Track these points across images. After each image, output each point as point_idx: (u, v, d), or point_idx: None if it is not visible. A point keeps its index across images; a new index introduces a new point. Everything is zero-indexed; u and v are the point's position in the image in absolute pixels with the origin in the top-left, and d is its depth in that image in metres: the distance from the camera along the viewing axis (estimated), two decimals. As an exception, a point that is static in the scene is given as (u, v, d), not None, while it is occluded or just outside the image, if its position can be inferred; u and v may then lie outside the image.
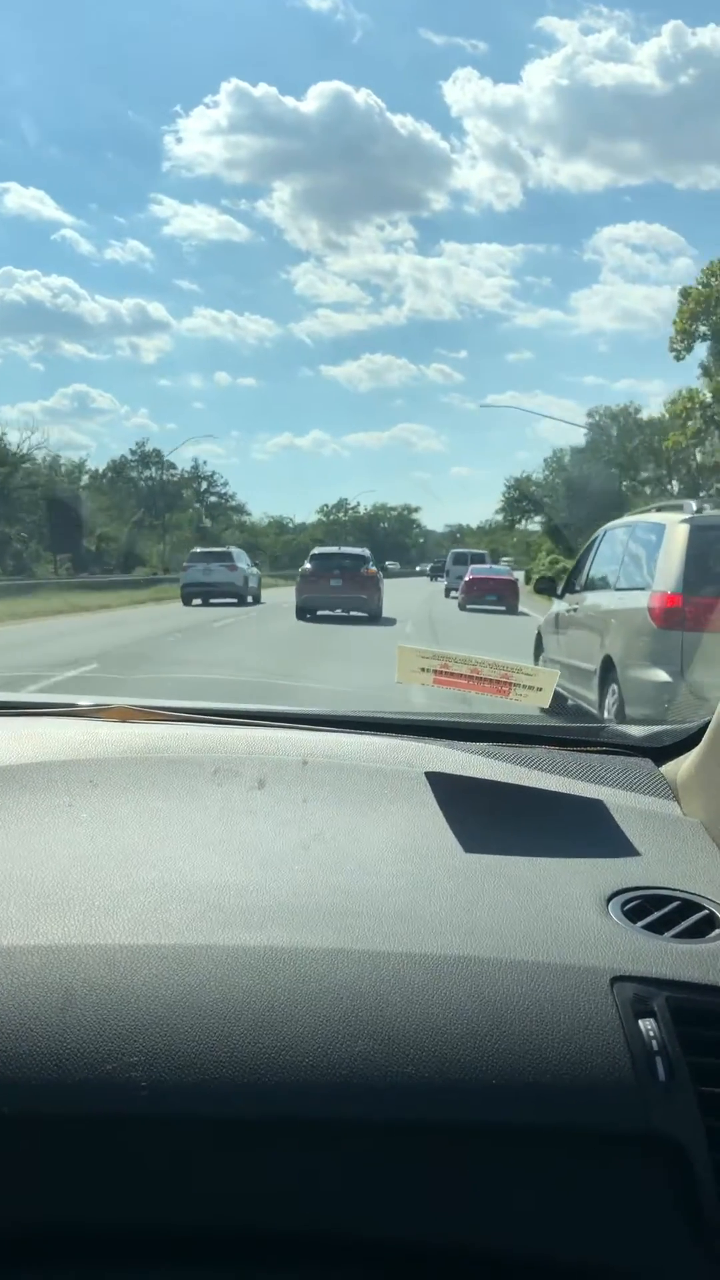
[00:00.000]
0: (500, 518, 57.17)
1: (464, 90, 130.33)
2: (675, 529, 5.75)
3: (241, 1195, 0.71)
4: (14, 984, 0.75)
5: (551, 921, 0.85)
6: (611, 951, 0.82)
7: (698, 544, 5.59)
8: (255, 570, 27.05)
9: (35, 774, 1.09)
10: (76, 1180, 0.70)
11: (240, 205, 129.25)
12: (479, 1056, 0.73)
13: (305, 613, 18.79)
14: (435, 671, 1.18)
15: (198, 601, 23.84)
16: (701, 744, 1.14)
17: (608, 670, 5.77)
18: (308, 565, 20.17)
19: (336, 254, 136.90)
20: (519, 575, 32.04)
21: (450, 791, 1.09)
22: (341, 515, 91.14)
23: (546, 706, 1.17)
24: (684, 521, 5.77)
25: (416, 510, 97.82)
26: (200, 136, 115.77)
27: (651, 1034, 0.75)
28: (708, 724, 1.14)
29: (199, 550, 27.57)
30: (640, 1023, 0.75)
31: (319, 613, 18.70)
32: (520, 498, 59.28)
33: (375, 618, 18.31)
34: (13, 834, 0.97)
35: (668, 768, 1.21)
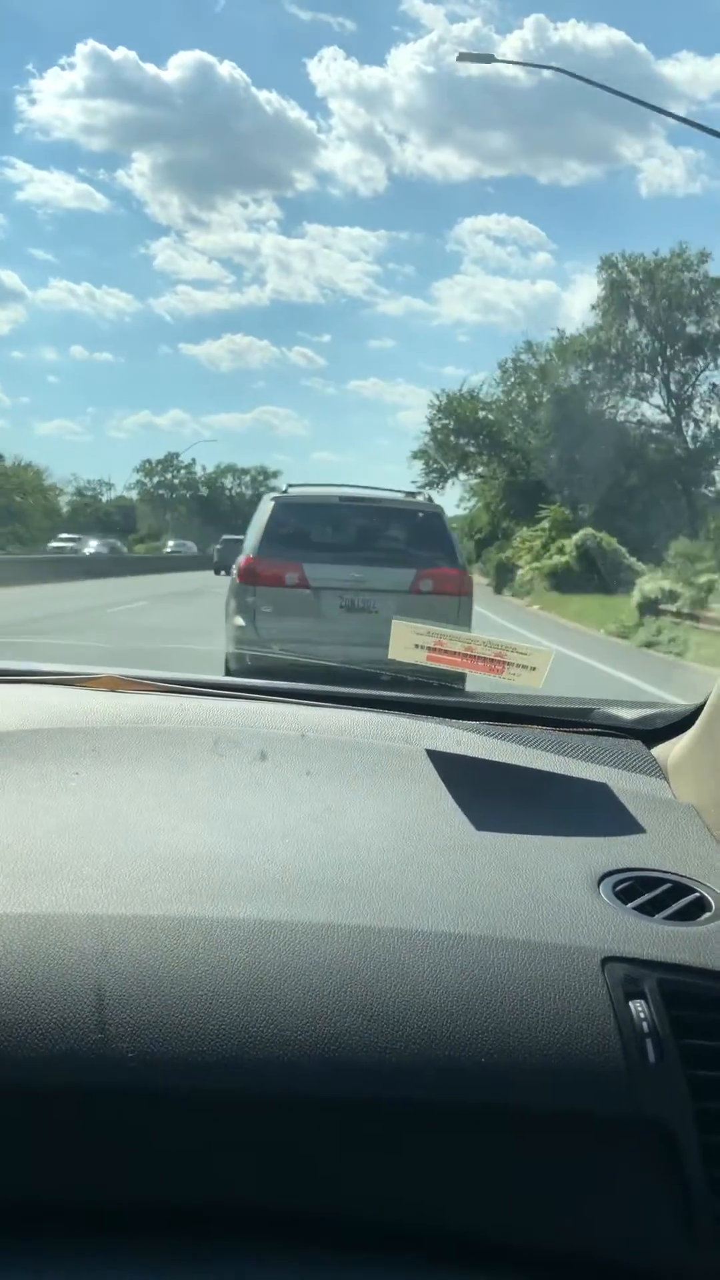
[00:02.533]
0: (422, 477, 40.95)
1: (329, 70, 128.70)
2: (266, 503, 7.14)
3: (228, 1169, 0.70)
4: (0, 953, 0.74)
5: (543, 901, 0.85)
6: (603, 932, 0.81)
7: (278, 516, 6.86)
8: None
9: (22, 742, 1.08)
10: (62, 1152, 0.69)
11: (99, 175, 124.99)
12: (469, 1035, 0.72)
13: None
14: (429, 649, 1.17)
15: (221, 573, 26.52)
16: (694, 727, 1.14)
17: (225, 619, 7.09)
18: None
19: (198, 229, 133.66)
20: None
21: (444, 769, 1.08)
22: (170, 476, 76.66)
23: (540, 686, 1.16)
24: (273, 498, 7.15)
25: (275, 474, 77.29)
26: (55, 99, 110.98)
27: (642, 1015, 0.74)
28: (701, 707, 1.14)
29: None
30: (631, 1004, 0.75)
31: None
32: (457, 432, 40.50)
33: None
34: None
35: (659, 750, 1.21)
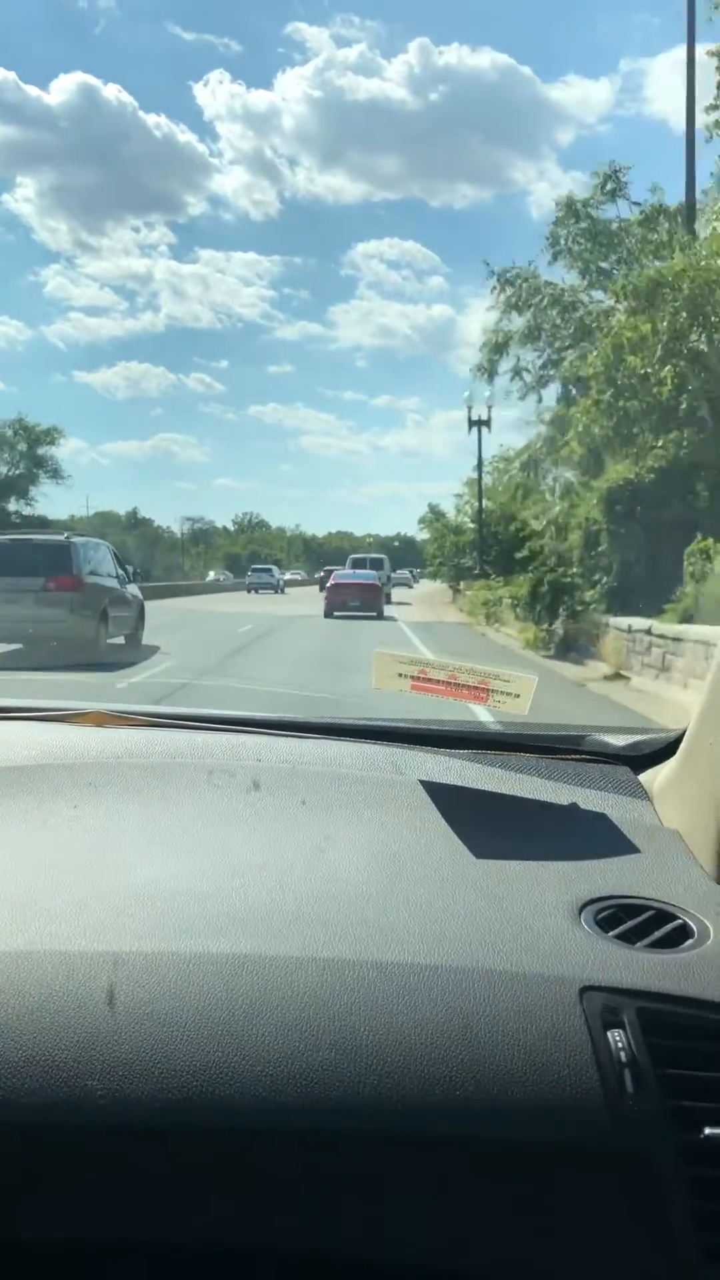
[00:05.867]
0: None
1: (216, 94, 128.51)
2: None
3: (204, 1206, 0.69)
4: None
5: (522, 930, 0.84)
6: (582, 961, 0.81)
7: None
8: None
9: (6, 779, 1.08)
10: (30, 1191, 0.68)
11: None
12: (445, 1068, 0.71)
13: None
14: (412, 678, 1.17)
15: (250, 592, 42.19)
16: (678, 753, 1.14)
17: None
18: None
19: (89, 255, 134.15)
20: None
21: (434, 799, 1.08)
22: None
23: (525, 713, 1.16)
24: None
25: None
26: None
27: (620, 1045, 0.73)
28: (684, 733, 1.13)
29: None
30: (609, 1034, 0.74)
31: None
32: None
33: None
34: None
35: (645, 776, 1.20)
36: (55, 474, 52.32)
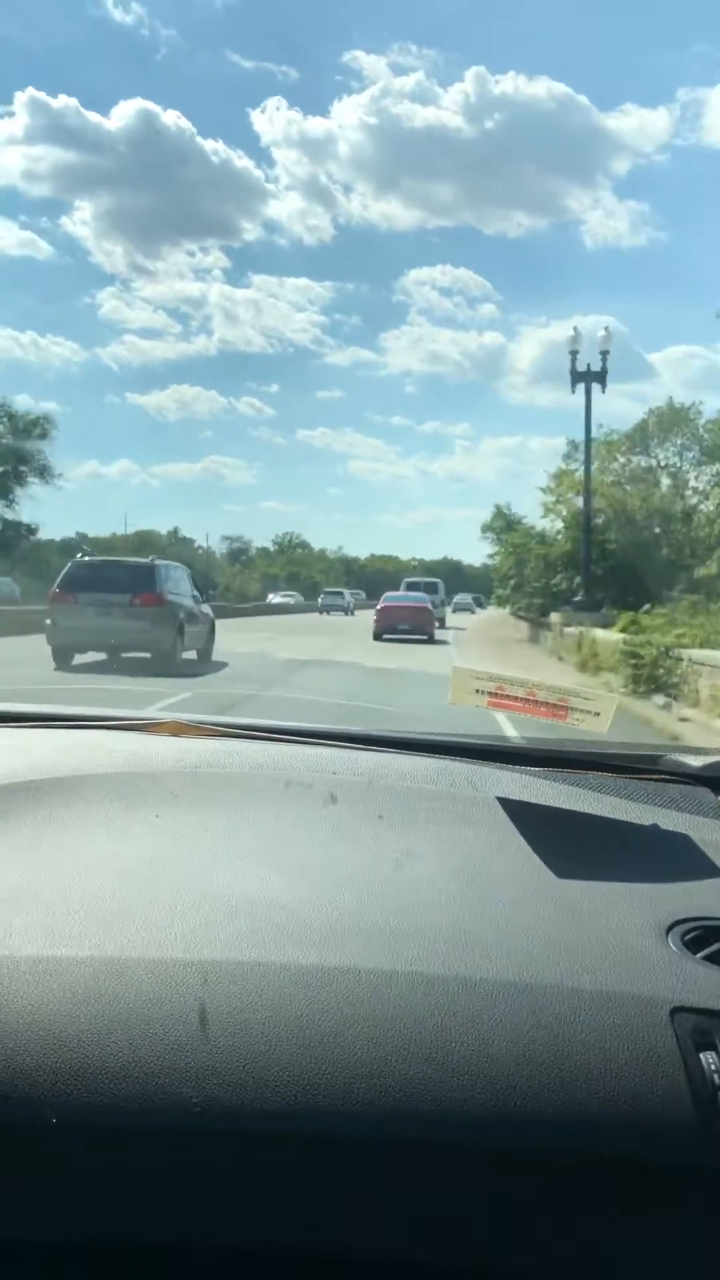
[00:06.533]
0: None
1: (273, 121, 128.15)
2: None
3: (290, 1212, 0.70)
4: (67, 996, 0.75)
5: (610, 950, 0.84)
6: (671, 982, 0.80)
7: (70, 569, 14.36)
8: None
9: (87, 786, 1.09)
10: (122, 1195, 0.70)
11: (41, 222, 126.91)
12: (537, 1083, 0.71)
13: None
14: (490, 694, 1.16)
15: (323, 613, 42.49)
16: None
17: None
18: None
19: (144, 278, 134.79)
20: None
21: (512, 816, 1.08)
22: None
23: (605, 732, 1.15)
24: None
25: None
26: None
27: (713, 1067, 0.72)
28: None
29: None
30: (701, 1055, 0.73)
31: None
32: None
33: None
34: (64, 846, 0.98)
35: None
36: (43, 473, 44.44)
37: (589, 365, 22.71)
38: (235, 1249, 0.71)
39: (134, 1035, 0.72)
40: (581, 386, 22.61)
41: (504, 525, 32.28)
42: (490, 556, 36.40)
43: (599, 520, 24.22)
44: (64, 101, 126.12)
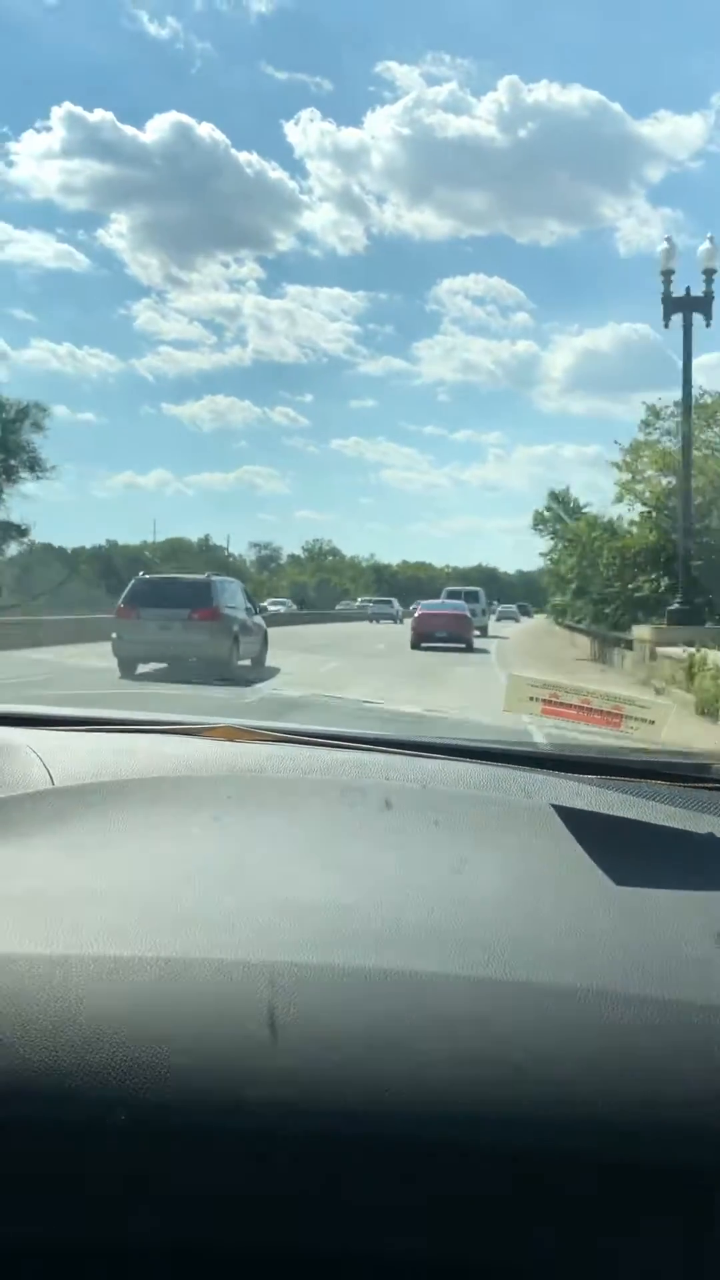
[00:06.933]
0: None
1: (307, 132, 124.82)
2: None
3: (364, 1218, 0.69)
4: (132, 996, 0.75)
5: (670, 957, 0.84)
6: None
7: (134, 586, 15.60)
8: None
9: (148, 788, 1.12)
10: (172, 1195, 0.69)
11: (79, 235, 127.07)
12: (602, 1091, 0.71)
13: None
14: (544, 701, 1.17)
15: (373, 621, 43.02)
16: None
17: None
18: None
19: (179, 290, 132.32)
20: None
21: (560, 823, 1.08)
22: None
23: (660, 741, 1.16)
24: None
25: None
26: (32, 160, 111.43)
27: None
28: None
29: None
30: None
31: None
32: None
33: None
34: (124, 848, 0.99)
35: None
36: (33, 466, 41.13)
37: (688, 289, 17.26)
38: (318, 1257, 0.70)
39: (199, 1036, 0.72)
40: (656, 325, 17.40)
41: (560, 514, 25.51)
42: (544, 555, 29.63)
43: (699, 501, 17.56)
44: (100, 115, 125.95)
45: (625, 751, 1.31)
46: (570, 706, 1.16)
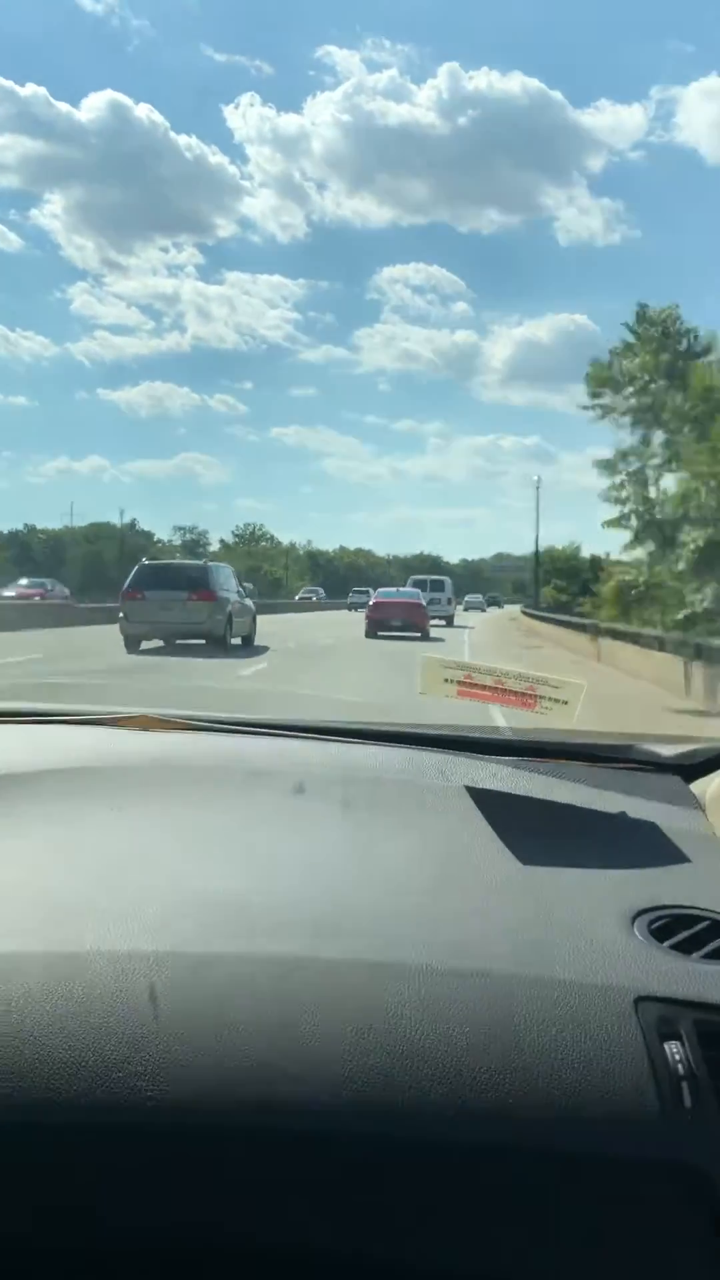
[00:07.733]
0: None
1: (247, 117, 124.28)
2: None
3: (248, 1208, 0.69)
4: (24, 991, 0.75)
5: (573, 938, 0.83)
6: (636, 971, 0.79)
7: (138, 571, 16.89)
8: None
9: (53, 781, 1.11)
10: (74, 1193, 0.69)
11: (10, 214, 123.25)
12: (497, 1075, 0.70)
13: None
14: (459, 683, 1.17)
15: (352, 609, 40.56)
16: None
17: None
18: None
19: (116, 274, 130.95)
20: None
21: (481, 805, 1.07)
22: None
23: (573, 722, 1.15)
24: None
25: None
26: None
27: (677, 1057, 0.71)
28: None
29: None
30: (665, 1045, 0.72)
31: None
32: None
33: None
34: (30, 841, 0.99)
35: (697, 785, 1.18)
36: None
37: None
38: (197, 1248, 0.69)
39: (89, 1028, 0.71)
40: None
41: (659, 344, 15.04)
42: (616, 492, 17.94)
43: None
44: (32, 90, 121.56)
45: (547, 733, 1.30)
46: (484, 688, 1.15)
